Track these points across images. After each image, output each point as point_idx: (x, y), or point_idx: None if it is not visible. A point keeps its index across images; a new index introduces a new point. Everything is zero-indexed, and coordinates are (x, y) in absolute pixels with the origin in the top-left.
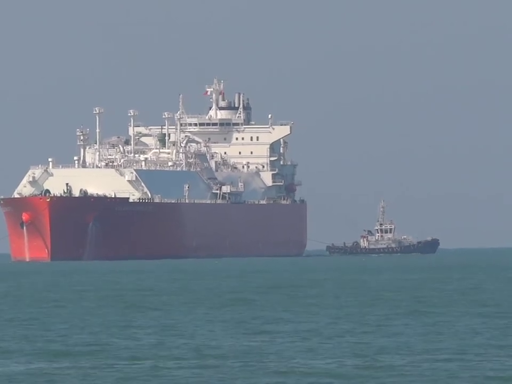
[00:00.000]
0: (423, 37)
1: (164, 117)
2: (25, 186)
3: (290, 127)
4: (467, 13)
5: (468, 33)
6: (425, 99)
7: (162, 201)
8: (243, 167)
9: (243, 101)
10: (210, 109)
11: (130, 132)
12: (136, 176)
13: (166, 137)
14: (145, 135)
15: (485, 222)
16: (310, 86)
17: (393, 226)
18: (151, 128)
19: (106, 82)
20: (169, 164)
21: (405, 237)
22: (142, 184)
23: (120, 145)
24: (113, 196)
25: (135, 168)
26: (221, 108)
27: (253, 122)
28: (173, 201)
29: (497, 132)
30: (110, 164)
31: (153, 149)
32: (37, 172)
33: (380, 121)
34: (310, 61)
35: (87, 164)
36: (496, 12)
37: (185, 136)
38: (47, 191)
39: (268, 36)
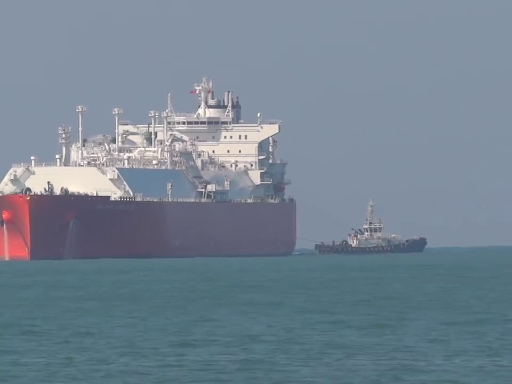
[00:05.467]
0: (415, 35)
1: (150, 115)
2: (6, 185)
3: (279, 126)
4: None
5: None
6: (415, 99)
7: (144, 199)
8: (231, 165)
9: (232, 99)
10: (199, 107)
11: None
12: (118, 174)
13: (152, 136)
14: (133, 133)
15: (474, 221)
16: (299, 84)
17: (382, 225)
18: (139, 127)
19: (95, 80)
20: (154, 162)
21: (393, 235)
22: (124, 182)
23: (105, 144)
24: (94, 195)
25: (117, 166)
26: (210, 106)
27: (241, 121)
28: (155, 200)
29: (488, 129)
30: (93, 162)
31: (140, 147)
32: (18, 170)
33: (369, 120)
34: (299, 60)
35: (71, 162)
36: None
37: (171, 134)
38: (28, 189)
39: (257, 34)
